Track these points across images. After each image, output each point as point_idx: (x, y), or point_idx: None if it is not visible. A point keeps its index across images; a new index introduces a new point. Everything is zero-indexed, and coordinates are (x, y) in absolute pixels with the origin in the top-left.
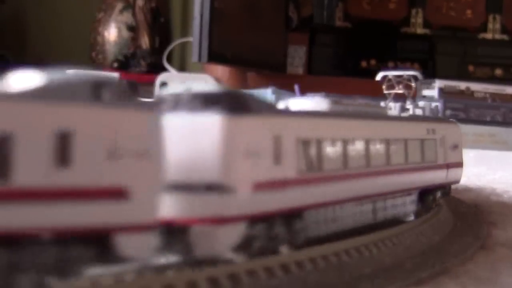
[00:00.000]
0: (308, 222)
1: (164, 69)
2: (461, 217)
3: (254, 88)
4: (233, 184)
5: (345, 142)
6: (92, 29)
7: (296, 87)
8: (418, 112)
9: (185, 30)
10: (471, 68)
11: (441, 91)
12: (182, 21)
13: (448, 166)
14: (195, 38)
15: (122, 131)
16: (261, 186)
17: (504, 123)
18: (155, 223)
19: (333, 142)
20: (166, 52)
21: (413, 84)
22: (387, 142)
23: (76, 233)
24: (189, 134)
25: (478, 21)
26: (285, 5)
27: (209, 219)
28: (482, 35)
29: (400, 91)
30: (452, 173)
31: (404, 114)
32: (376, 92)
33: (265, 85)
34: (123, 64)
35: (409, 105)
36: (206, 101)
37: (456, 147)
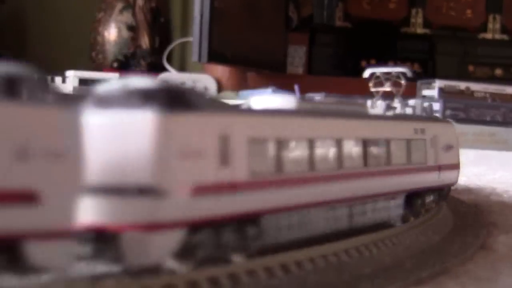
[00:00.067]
0: (266, 228)
1: (164, 69)
2: (461, 217)
3: (254, 88)
4: (168, 187)
5: (312, 143)
6: (92, 29)
7: (296, 87)
8: (408, 111)
9: (185, 30)
10: (471, 68)
11: (441, 91)
12: (182, 21)
13: (440, 168)
14: (195, 38)
15: (34, 130)
16: (204, 190)
17: (504, 123)
18: (71, 229)
19: (296, 142)
20: (166, 52)
21: (402, 82)
22: (365, 143)
23: None
24: (120, 132)
25: (478, 21)
26: (285, 5)
27: (141, 225)
28: (482, 35)
29: (388, 89)
30: (445, 175)
31: (389, 113)
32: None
33: (265, 85)
34: (123, 64)
35: (397, 103)
36: (140, 97)
37: (450, 147)
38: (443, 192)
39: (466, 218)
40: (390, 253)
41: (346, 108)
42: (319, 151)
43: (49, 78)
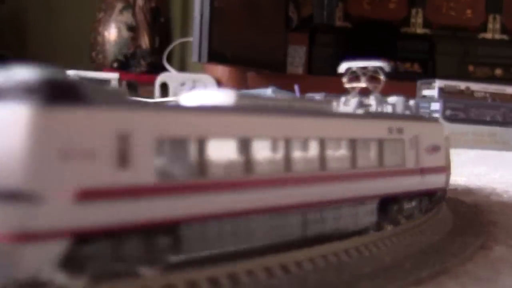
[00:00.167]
0: (186, 238)
1: (164, 69)
2: (461, 217)
3: (254, 88)
4: (44, 191)
5: (248, 142)
6: (92, 29)
7: (296, 87)
8: (388, 109)
9: (185, 30)
10: (471, 68)
11: (441, 91)
12: (182, 21)
13: (422, 171)
14: (195, 38)
15: None
16: (94, 195)
17: (504, 123)
18: None
19: (226, 142)
20: (166, 52)
21: (381, 77)
22: (322, 143)
23: None
24: None
25: (478, 21)
26: (285, 5)
27: (11, 235)
28: (482, 35)
29: (363, 85)
30: (429, 179)
31: (359, 111)
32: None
33: (265, 85)
34: (123, 64)
35: (372, 100)
36: (18, 90)
37: (436, 149)
38: (434, 197)
39: (466, 218)
40: (390, 253)
41: (303, 105)
42: (258, 152)
43: None
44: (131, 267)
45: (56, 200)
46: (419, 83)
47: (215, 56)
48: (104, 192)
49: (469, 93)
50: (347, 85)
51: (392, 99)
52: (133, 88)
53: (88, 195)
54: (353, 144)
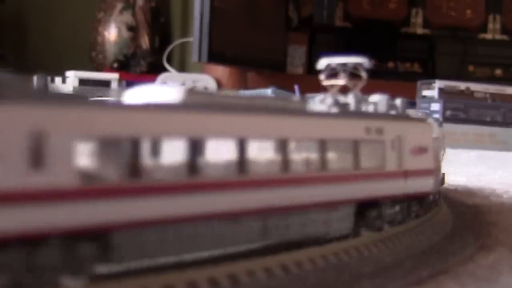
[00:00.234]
0: (118, 246)
1: (164, 69)
2: (461, 217)
3: (254, 88)
4: None
5: (194, 142)
6: (92, 29)
7: (296, 87)
8: (369, 108)
9: (185, 30)
10: (471, 68)
11: (441, 91)
12: (182, 21)
13: (406, 174)
14: (195, 38)
15: None
16: (1, 199)
17: (504, 123)
18: None
19: (167, 142)
20: (166, 52)
21: (363, 74)
22: (284, 144)
23: None
24: None
25: (478, 21)
26: (285, 5)
27: None
28: (482, 35)
29: (341, 82)
30: (415, 183)
31: (334, 110)
32: (376, 92)
33: (265, 85)
34: (123, 64)
35: (351, 98)
36: None
37: (423, 150)
38: (425, 201)
39: (466, 218)
40: (390, 253)
41: (266, 103)
42: (207, 153)
43: (49, 78)
44: (50, 277)
45: None
46: (419, 83)
47: (215, 56)
48: (14, 195)
49: (469, 94)
50: (325, 83)
51: (374, 97)
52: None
53: None
54: (323, 145)
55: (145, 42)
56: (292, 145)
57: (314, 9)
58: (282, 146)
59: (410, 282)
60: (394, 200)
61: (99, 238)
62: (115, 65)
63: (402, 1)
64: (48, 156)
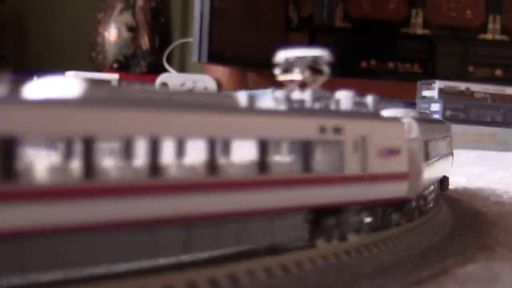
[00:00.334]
0: (28, 253)
1: (164, 69)
2: (461, 217)
3: (254, 88)
4: None
5: (90, 141)
6: (92, 29)
7: (296, 87)
8: (332, 106)
9: (185, 30)
10: (471, 68)
11: (441, 91)
12: (182, 21)
13: (372, 178)
14: (195, 38)
15: None
16: None
17: (504, 123)
18: None
19: (56, 141)
20: (166, 52)
21: (324, 69)
22: (212, 144)
23: None
24: None
25: (478, 21)
26: (285, 5)
27: None
28: (482, 36)
29: (297, 77)
30: (383, 188)
31: (281, 107)
32: (376, 93)
33: (265, 85)
34: (123, 64)
35: (308, 95)
36: None
37: (394, 152)
38: (405, 207)
39: (466, 218)
40: (390, 253)
41: (192, 99)
42: (106, 154)
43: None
44: None
45: None
46: (419, 83)
47: (215, 56)
48: None
49: (469, 94)
50: (281, 78)
51: (338, 94)
52: None
53: None
54: (263, 145)
55: (145, 42)
56: (220, 146)
57: (314, 9)
58: (208, 146)
59: (410, 282)
60: (358, 206)
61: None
62: (115, 65)
63: (402, 1)
64: None
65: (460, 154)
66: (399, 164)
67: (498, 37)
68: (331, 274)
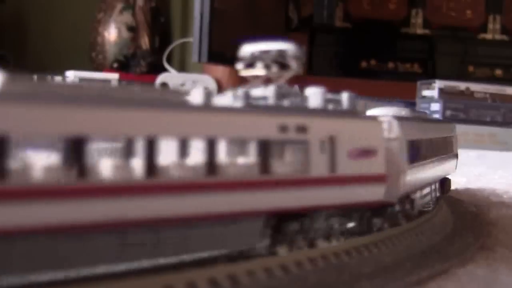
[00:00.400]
0: None
1: (164, 69)
2: (461, 217)
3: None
4: None
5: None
6: (92, 29)
7: (295, 87)
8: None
9: (185, 30)
10: (471, 68)
11: (441, 91)
12: (182, 21)
13: (342, 180)
14: (195, 38)
15: None
16: None
17: (504, 123)
18: None
19: None
20: (166, 52)
21: (292, 63)
22: (150, 143)
23: None
24: None
25: (478, 21)
26: (285, 5)
27: None
28: (482, 35)
29: (260, 72)
30: (356, 191)
31: (236, 104)
32: (376, 93)
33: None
34: (123, 64)
35: (270, 91)
36: None
37: (370, 153)
38: (388, 212)
39: (466, 218)
40: (390, 253)
41: (132, 94)
42: (24, 151)
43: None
44: None
45: None
46: (419, 83)
47: (215, 56)
48: None
49: (469, 94)
50: (244, 73)
51: (308, 91)
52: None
53: None
54: (210, 145)
55: (145, 42)
56: (159, 145)
57: (314, 9)
58: (146, 145)
59: (410, 283)
60: (326, 210)
61: None
62: (115, 65)
63: (402, 1)
64: None
65: (460, 154)
66: (375, 166)
67: (498, 37)
68: (331, 274)
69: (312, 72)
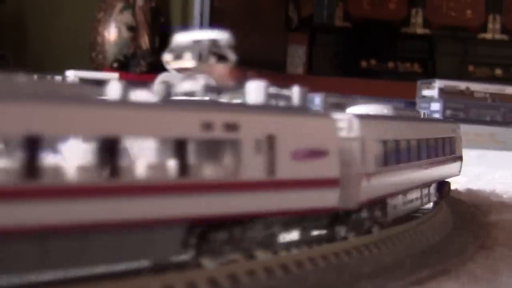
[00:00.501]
0: None
1: (164, 69)
2: (461, 217)
3: None
4: None
5: None
6: (92, 29)
7: (295, 87)
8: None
9: (185, 30)
10: (471, 68)
11: (441, 91)
12: (182, 21)
13: (282, 185)
14: None
15: None
16: None
17: (504, 123)
18: None
19: None
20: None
21: (229, 54)
22: (32, 141)
23: None
24: None
25: (478, 21)
26: (285, 5)
27: None
28: (482, 35)
29: (189, 64)
30: (300, 196)
31: (153, 99)
32: (377, 92)
33: None
34: (123, 64)
35: (198, 85)
36: None
37: (319, 154)
38: (352, 219)
39: (466, 218)
40: (390, 253)
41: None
42: None
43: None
44: None
45: None
46: (419, 83)
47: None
48: None
49: (469, 93)
50: (172, 65)
51: (249, 85)
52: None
53: None
54: (110, 145)
55: (145, 42)
56: (43, 144)
57: (314, 9)
58: (27, 144)
59: (410, 282)
60: (262, 218)
61: None
62: (115, 65)
63: (402, 1)
64: None
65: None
66: (326, 168)
67: (498, 36)
68: (331, 274)
69: (312, 72)
